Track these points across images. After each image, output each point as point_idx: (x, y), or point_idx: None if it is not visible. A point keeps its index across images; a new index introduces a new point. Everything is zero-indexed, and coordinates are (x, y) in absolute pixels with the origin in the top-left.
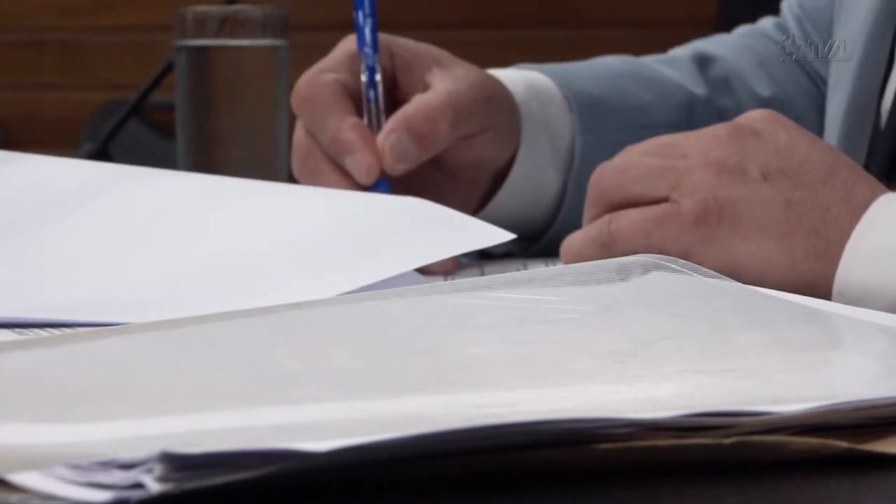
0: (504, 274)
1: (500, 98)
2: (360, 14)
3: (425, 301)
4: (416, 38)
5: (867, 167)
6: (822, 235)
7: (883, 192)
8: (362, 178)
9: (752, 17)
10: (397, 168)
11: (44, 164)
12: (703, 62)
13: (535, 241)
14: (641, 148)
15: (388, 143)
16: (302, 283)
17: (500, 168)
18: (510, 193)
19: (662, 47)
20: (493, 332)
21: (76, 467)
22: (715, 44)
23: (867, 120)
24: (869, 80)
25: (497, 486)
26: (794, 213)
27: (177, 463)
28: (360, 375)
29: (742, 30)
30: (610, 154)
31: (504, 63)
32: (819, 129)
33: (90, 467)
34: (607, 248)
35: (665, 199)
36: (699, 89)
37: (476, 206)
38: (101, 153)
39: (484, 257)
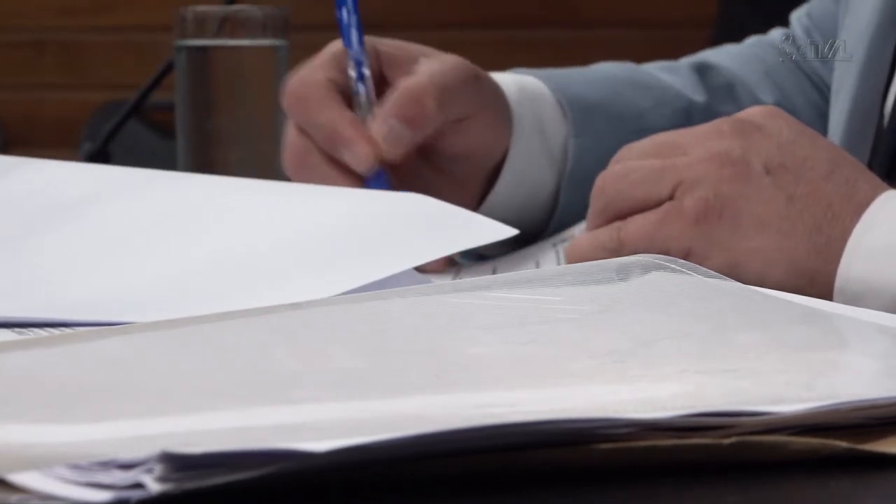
0: (504, 274)
1: (489, 82)
2: (344, 11)
3: (425, 301)
4: (416, 39)
5: (870, 166)
6: (823, 232)
7: (885, 190)
8: (361, 168)
9: (751, 17)
10: (394, 153)
11: (44, 169)
12: (703, 70)
13: (530, 243)
14: (639, 148)
15: (381, 132)
16: (303, 282)
17: (495, 168)
18: (505, 192)
19: (662, 47)
20: (493, 332)
21: (76, 467)
22: (722, 53)
23: (870, 121)
24: (872, 81)
25: (497, 486)
26: (795, 209)
27: (177, 463)
28: (360, 375)
29: (752, 40)
30: (605, 157)
31: (504, 63)
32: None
33: (90, 467)
34: (616, 255)
35: (669, 199)
36: (698, 96)
37: (472, 207)
38: (101, 153)
39: (481, 258)
